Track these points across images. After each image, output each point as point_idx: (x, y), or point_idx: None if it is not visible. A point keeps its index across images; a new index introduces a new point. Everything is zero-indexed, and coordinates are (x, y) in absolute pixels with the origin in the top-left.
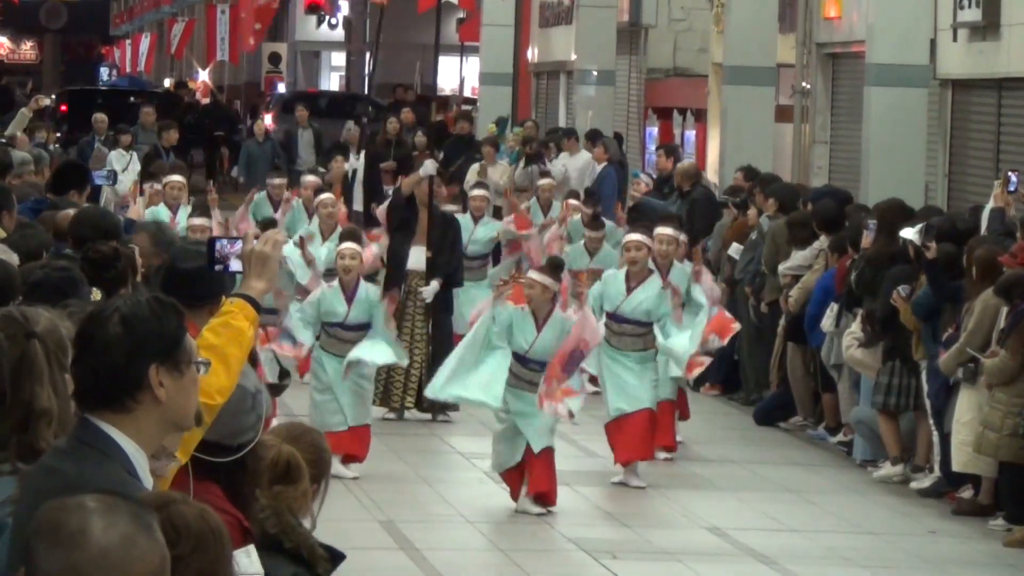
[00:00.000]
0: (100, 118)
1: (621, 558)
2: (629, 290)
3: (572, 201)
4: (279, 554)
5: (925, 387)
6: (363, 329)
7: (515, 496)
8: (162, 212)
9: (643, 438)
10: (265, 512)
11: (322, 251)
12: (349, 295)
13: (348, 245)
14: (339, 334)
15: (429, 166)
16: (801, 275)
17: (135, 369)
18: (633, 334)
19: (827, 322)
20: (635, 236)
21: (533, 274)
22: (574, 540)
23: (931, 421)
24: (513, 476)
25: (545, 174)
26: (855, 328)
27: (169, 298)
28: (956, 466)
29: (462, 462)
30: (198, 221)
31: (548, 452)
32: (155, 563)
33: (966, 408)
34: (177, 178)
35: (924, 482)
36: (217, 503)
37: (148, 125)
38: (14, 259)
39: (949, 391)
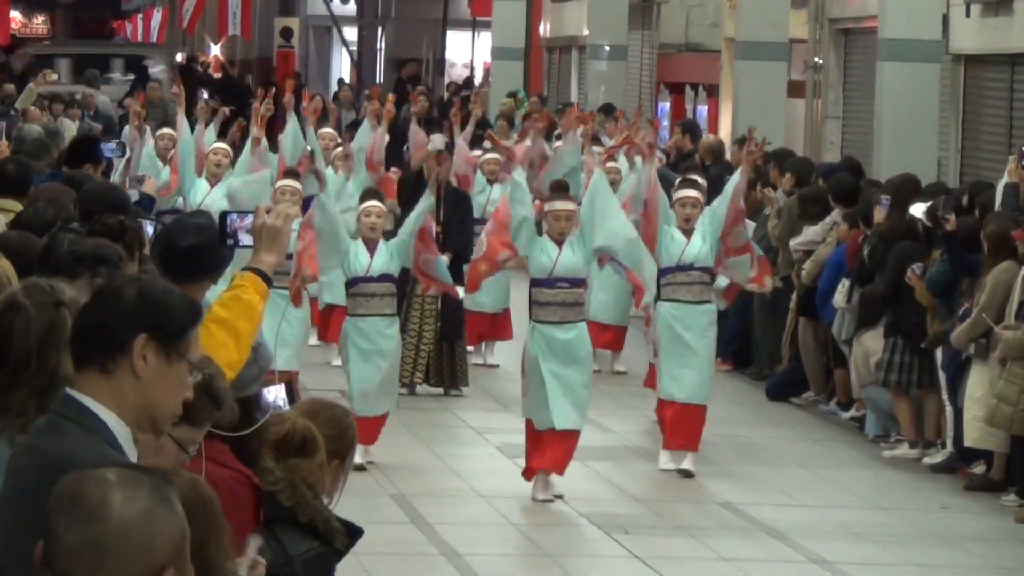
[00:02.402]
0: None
1: (633, 533)
2: (688, 240)
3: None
4: (294, 528)
5: (940, 361)
6: (388, 281)
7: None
8: (201, 185)
9: (693, 432)
10: (279, 485)
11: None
12: (371, 248)
13: (374, 203)
14: (363, 288)
15: (438, 140)
16: (813, 250)
17: (125, 330)
18: (700, 281)
19: (838, 298)
20: (690, 192)
21: (556, 204)
22: (586, 515)
23: (945, 396)
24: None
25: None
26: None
27: (194, 300)
28: (968, 441)
29: (474, 436)
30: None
31: (572, 435)
32: (175, 536)
33: (978, 384)
34: (221, 146)
35: (936, 457)
36: (226, 461)
37: (155, 100)
38: None
39: (963, 366)
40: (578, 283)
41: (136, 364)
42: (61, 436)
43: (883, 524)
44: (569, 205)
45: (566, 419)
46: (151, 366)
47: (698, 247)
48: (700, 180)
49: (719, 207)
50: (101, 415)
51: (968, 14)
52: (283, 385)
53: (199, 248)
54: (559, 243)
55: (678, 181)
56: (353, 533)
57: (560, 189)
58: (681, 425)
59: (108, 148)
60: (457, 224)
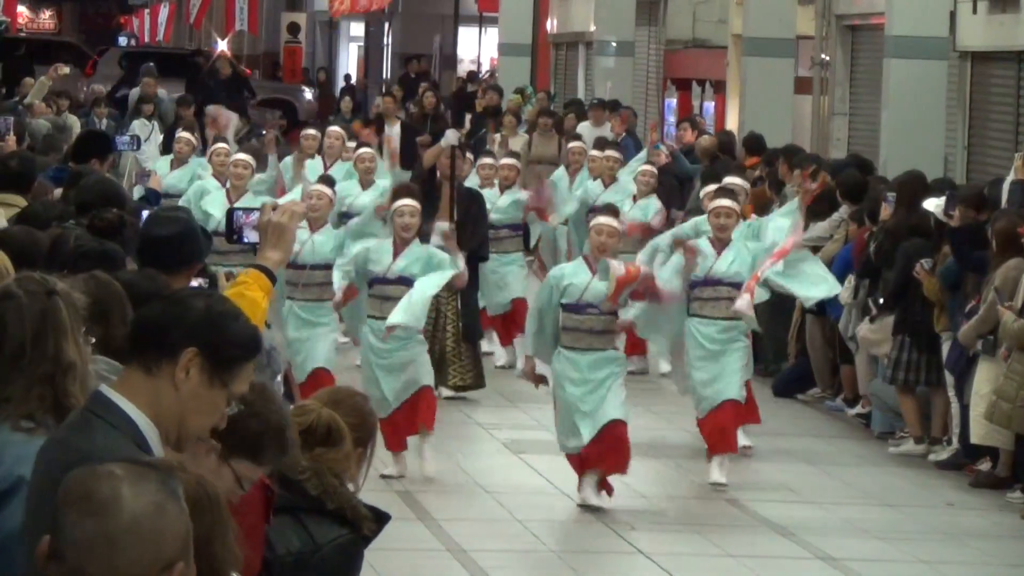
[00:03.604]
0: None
1: (639, 529)
2: (718, 252)
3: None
4: (323, 517)
5: (945, 358)
6: (406, 284)
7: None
8: (210, 185)
9: (726, 431)
10: (306, 474)
11: (364, 198)
12: (398, 248)
13: (408, 201)
14: (380, 290)
15: (451, 136)
16: (820, 247)
17: (178, 338)
18: (728, 297)
19: (845, 294)
20: (725, 202)
21: (600, 219)
22: (592, 511)
23: (951, 392)
24: (574, 460)
25: (575, 138)
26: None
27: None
28: (974, 438)
29: (481, 433)
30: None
31: (619, 425)
32: (183, 530)
33: (984, 380)
34: (243, 157)
35: (942, 454)
36: None
37: (148, 96)
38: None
39: (970, 362)
40: (609, 311)
41: (177, 375)
42: (90, 433)
43: (889, 521)
44: (613, 223)
45: (566, 447)
46: (191, 381)
47: (728, 262)
48: (739, 182)
49: (766, 239)
50: (131, 414)
51: (975, 11)
52: (280, 376)
53: (174, 237)
54: (592, 268)
55: (713, 188)
56: (380, 519)
57: (610, 210)
58: (720, 428)
59: (121, 141)
60: (471, 223)
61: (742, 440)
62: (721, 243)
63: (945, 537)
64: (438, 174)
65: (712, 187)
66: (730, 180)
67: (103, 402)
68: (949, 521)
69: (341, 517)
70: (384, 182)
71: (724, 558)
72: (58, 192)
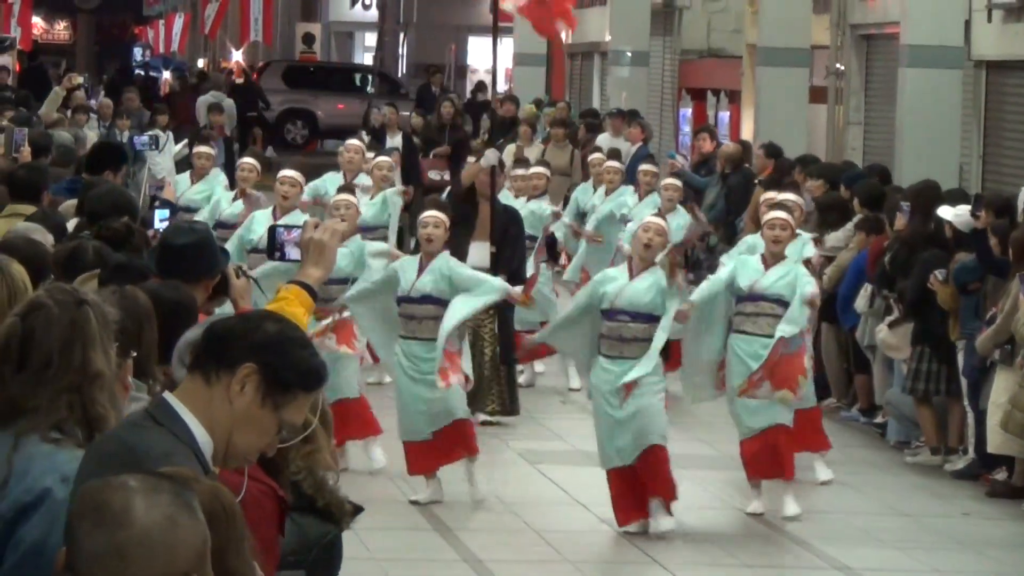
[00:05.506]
0: (106, 103)
1: (655, 540)
2: (767, 267)
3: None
4: (310, 514)
5: (961, 366)
6: (432, 303)
7: (621, 519)
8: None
9: (777, 454)
10: (301, 474)
11: (366, 211)
12: (424, 264)
13: (433, 213)
14: (406, 309)
15: (491, 156)
16: (834, 256)
17: (241, 353)
18: (771, 314)
19: (860, 303)
20: (780, 214)
21: (651, 219)
22: (608, 522)
23: (966, 401)
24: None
25: (596, 149)
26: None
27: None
28: (991, 448)
29: (498, 444)
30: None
31: (660, 450)
32: (197, 543)
33: (1002, 390)
34: (291, 174)
35: (958, 464)
36: (254, 473)
37: (133, 110)
38: (49, 239)
39: (985, 371)
40: (641, 318)
41: (232, 387)
42: (149, 435)
43: (905, 530)
44: (660, 221)
45: (610, 460)
46: (245, 397)
47: (773, 278)
48: (794, 198)
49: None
50: (189, 423)
51: (990, 20)
52: None
53: (192, 246)
54: (632, 273)
55: (771, 196)
56: (356, 512)
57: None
58: (766, 451)
59: (140, 141)
60: (510, 244)
61: (823, 474)
62: (773, 257)
63: (961, 547)
64: (478, 193)
65: (771, 194)
66: (785, 196)
67: (165, 408)
68: (965, 531)
69: (326, 513)
70: (380, 196)
71: (740, 568)
72: (71, 203)
